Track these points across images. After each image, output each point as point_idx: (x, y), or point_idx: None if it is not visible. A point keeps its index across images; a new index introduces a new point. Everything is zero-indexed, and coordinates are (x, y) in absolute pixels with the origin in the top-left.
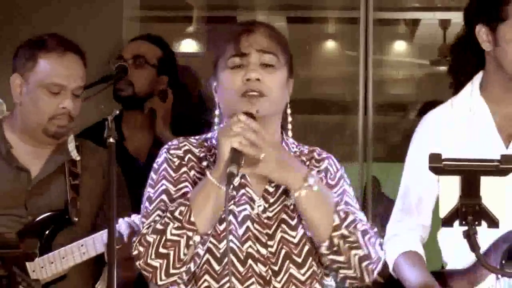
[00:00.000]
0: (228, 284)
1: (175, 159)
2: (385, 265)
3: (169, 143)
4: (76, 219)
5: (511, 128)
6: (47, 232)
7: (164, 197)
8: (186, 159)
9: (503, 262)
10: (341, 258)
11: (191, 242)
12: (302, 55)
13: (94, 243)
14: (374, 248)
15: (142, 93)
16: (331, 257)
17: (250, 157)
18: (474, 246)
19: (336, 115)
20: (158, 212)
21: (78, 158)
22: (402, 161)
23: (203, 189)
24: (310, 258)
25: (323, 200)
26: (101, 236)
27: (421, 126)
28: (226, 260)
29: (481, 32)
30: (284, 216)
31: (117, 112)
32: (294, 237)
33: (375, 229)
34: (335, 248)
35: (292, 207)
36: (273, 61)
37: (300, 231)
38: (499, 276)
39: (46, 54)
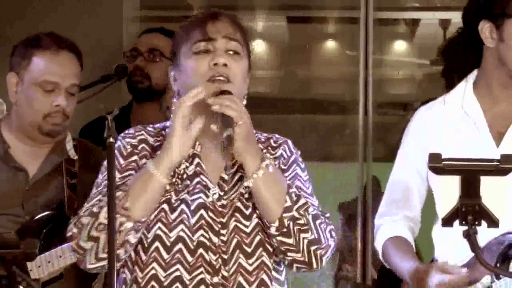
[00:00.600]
0: (175, 273)
1: (128, 147)
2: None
3: (126, 131)
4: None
5: (502, 126)
6: (44, 231)
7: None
8: (139, 148)
9: (498, 264)
10: (290, 240)
11: (122, 228)
12: (302, 55)
13: None
14: (325, 233)
15: (158, 86)
16: (280, 238)
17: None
18: (474, 246)
19: (336, 115)
20: (99, 196)
21: (75, 157)
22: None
23: (142, 177)
24: (260, 249)
25: (276, 181)
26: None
27: (413, 121)
28: (175, 248)
29: (485, 28)
30: (239, 204)
31: (117, 111)
32: (247, 227)
33: (328, 215)
34: (284, 230)
35: (247, 195)
36: (239, 48)
37: (254, 220)
38: (495, 279)
39: (40, 52)
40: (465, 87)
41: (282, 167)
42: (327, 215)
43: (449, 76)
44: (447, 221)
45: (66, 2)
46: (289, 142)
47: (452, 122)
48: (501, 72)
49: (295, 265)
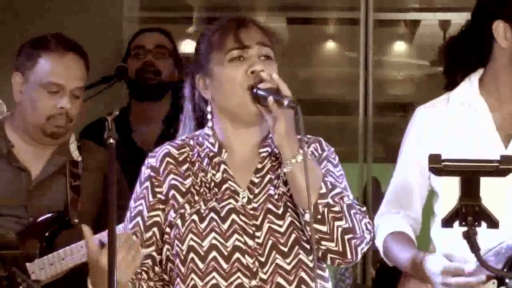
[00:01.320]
0: (212, 282)
1: (146, 171)
2: (377, 252)
3: (151, 153)
4: (76, 220)
5: (511, 128)
6: (47, 234)
7: (139, 220)
8: (162, 166)
9: (504, 270)
10: (324, 228)
11: None
12: (302, 56)
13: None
14: (360, 224)
15: (167, 82)
16: (315, 226)
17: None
18: (474, 247)
19: (336, 115)
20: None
21: (79, 159)
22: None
23: None
24: (297, 247)
25: (313, 168)
26: (102, 237)
27: (415, 120)
28: (209, 257)
29: (499, 28)
30: (270, 206)
31: (117, 112)
32: (281, 226)
33: (364, 209)
34: (319, 216)
35: (276, 196)
36: (270, 53)
37: (287, 219)
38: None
39: (46, 53)
40: (469, 86)
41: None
42: (364, 208)
43: (452, 74)
44: (447, 222)
45: (66, 3)
46: (321, 140)
47: (457, 121)
48: (497, 73)
49: (329, 255)
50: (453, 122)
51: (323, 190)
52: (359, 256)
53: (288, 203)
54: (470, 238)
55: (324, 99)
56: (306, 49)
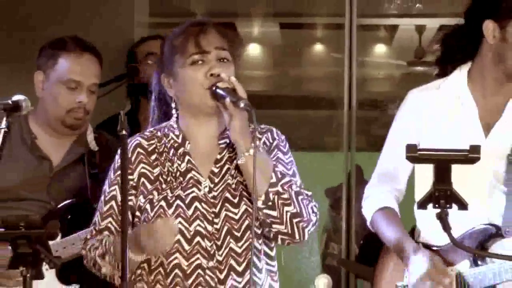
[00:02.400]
0: (175, 261)
1: (118, 160)
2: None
3: None
4: (96, 205)
5: (491, 119)
6: (69, 217)
7: (113, 203)
8: (133, 156)
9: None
10: (274, 213)
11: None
12: (293, 57)
13: None
14: (306, 208)
15: None
16: (266, 211)
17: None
18: (446, 226)
19: (324, 110)
20: (110, 219)
21: (96, 149)
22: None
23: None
24: (248, 232)
25: (264, 160)
26: None
27: (407, 101)
28: (196, 240)
29: (489, 27)
30: (228, 195)
31: (129, 107)
32: (236, 214)
33: (310, 193)
34: (269, 203)
35: (234, 186)
36: (228, 56)
37: (242, 207)
38: (473, 264)
39: (65, 54)
40: (458, 76)
41: (268, 150)
42: (309, 193)
43: (444, 64)
44: (422, 204)
45: (83, 8)
46: (274, 130)
47: (444, 108)
48: (498, 68)
49: (280, 236)
50: (441, 108)
51: (273, 180)
52: (306, 236)
53: (244, 192)
54: (443, 218)
55: (313, 95)
56: (296, 51)
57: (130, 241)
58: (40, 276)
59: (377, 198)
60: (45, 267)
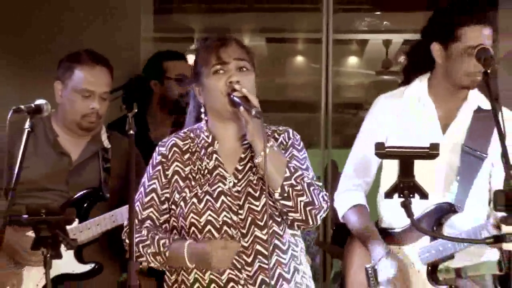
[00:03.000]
0: None
1: (157, 157)
2: (335, 213)
3: (161, 143)
4: (108, 195)
5: (448, 119)
6: (85, 205)
7: (154, 195)
8: (170, 154)
9: (434, 228)
10: (289, 203)
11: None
12: (278, 67)
13: (122, 214)
14: (318, 197)
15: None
16: (282, 202)
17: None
18: (409, 213)
19: (304, 113)
20: (151, 209)
21: (109, 146)
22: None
23: (177, 258)
24: (270, 221)
25: (278, 157)
26: (127, 209)
27: (375, 106)
28: (205, 230)
29: (435, 48)
30: (250, 189)
31: (135, 110)
32: (257, 206)
33: (321, 184)
34: (285, 194)
35: (255, 181)
36: (247, 65)
37: (262, 200)
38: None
39: (80, 66)
40: (420, 84)
41: (282, 150)
42: (320, 183)
43: (408, 74)
44: (389, 194)
45: (94, 25)
46: (290, 130)
47: (408, 111)
48: (448, 81)
49: (295, 223)
50: (405, 111)
51: (287, 174)
52: (319, 222)
53: (263, 186)
54: (407, 206)
55: (294, 100)
56: (281, 62)
57: (193, 253)
58: (58, 256)
59: (350, 196)
60: (63, 248)
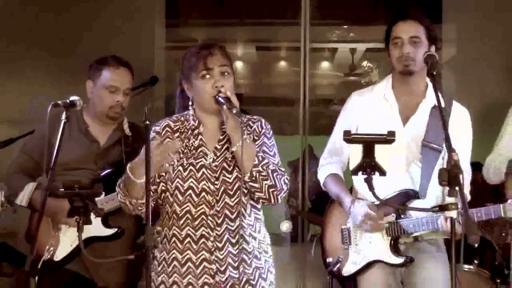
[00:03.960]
0: (186, 208)
1: (152, 134)
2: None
3: (156, 124)
4: None
5: (408, 113)
6: (110, 181)
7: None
8: (163, 132)
9: (400, 210)
10: (256, 185)
11: (130, 203)
12: (265, 70)
13: None
14: (279, 181)
15: None
16: (250, 183)
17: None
18: (371, 187)
19: (286, 106)
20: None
21: (130, 134)
22: (327, 135)
23: (127, 181)
24: (238, 192)
25: (250, 148)
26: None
27: (350, 101)
28: (187, 193)
29: (389, 51)
30: (224, 164)
31: (150, 105)
32: (230, 179)
33: (283, 169)
34: (253, 178)
35: (230, 159)
36: (228, 70)
37: (234, 174)
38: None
39: (107, 67)
40: (385, 82)
41: (255, 137)
42: (283, 169)
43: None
44: (354, 172)
45: (118, 36)
46: (262, 120)
47: (376, 105)
48: (396, 71)
49: (260, 201)
50: (373, 105)
51: (256, 162)
52: (280, 201)
53: (236, 165)
54: (369, 181)
55: (279, 96)
56: (268, 66)
57: (134, 169)
58: (89, 222)
59: (328, 168)
60: (93, 216)
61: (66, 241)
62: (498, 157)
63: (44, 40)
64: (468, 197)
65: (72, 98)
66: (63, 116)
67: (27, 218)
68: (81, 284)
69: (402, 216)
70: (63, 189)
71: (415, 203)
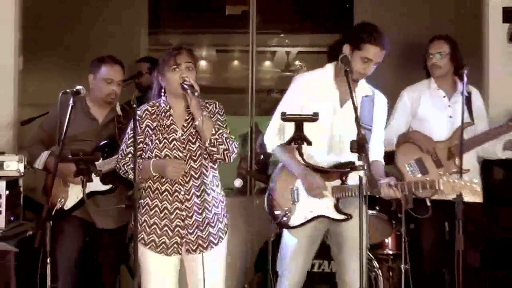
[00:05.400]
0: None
1: (137, 115)
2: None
3: (138, 109)
4: (120, 143)
5: (345, 98)
6: (106, 149)
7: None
8: (143, 115)
9: (344, 178)
10: (214, 149)
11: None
12: (223, 67)
13: None
14: (231, 146)
15: None
16: (210, 148)
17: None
18: (300, 153)
19: (239, 94)
20: (131, 147)
21: (121, 114)
22: (269, 115)
23: (146, 170)
24: (200, 157)
25: (209, 122)
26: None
27: (295, 82)
28: (166, 157)
29: (345, 48)
30: (190, 137)
31: (137, 93)
32: (193, 148)
33: (233, 137)
34: (212, 144)
35: (194, 133)
36: (191, 66)
37: (196, 144)
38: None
39: (105, 64)
40: (328, 69)
41: (211, 115)
42: (233, 137)
43: (328, 61)
44: (288, 142)
45: (112, 41)
46: (216, 102)
47: (318, 88)
48: (341, 71)
49: (218, 161)
50: (316, 88)
51: (213, 132)
52: (231, 160)
53: (198, 137)
54: (299, 150)
55: (233, 87)
56: (225, 64)
57: (156, 166)
58: (90, 180)
59: (276, 138)
60: (93, 175)
61: (73, 194)
62: (390, 133)
63: (59, 43)
64: (382, 164)
65: (78, 87)
66: (71, 101)
67: (43, 178)
68: (84, 227)
69: (346, 182)
70: (71, 156)
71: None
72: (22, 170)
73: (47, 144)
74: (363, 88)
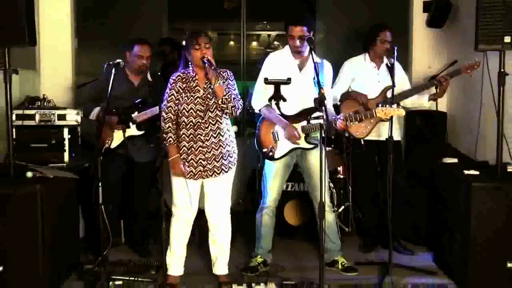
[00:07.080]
0: (197, 119)
1: (171, 80)
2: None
3: (172, 75)
4: (150, 101)
5: (302, 65)
6: (140, 106)
7: (171, 104)
8: (176, 79)
9: (309, 117)
10: (224, 106)
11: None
12: (222, 46)
13: (156, 110)
14: (237, 103)
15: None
16: (221, 105)
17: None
18: (278, 108)
19: (234, 65)
20: (170, 107)
21: (151, 80)
22: (256, 81)
23: (171, 150)
24: (216, 110)
25: (221, 86)
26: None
27: (268, 58)
28: (189, 112)
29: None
30: (208, 95)
31: (161, 64)
32: (210, 102)
33: (240, 97)
34: (223, 101)
35: (211, 92)
36: (209, 46)
37: (212, 100)
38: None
39: (137, 44)
40: (288, 48)
41: (224, 81)
42: (240, 97)
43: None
44: (270, 100)
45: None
46: (228, 71)
47: (284, 61)
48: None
49: (228, 114)
50: (283, 61)
51: (225, 93)
52: (238, 114)
53: (214, 96)
54: (277, 104)
55: (230, 60)
56: (224, 44)
57: (171, 158)
58: (129, 127)
59: (262, 101)
60: (131, 124)
61: (117, 138)
62: (335, 92)
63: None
64: (332, 110)
65: (118, 60)
66: (113, 71)
67: (95, 126)
68: (125, 161)
69: (311, 121)
70: (114, 110)
71: (316, 113)
72: (79, 120)
73: (97, 102)
74: (314, 56)
